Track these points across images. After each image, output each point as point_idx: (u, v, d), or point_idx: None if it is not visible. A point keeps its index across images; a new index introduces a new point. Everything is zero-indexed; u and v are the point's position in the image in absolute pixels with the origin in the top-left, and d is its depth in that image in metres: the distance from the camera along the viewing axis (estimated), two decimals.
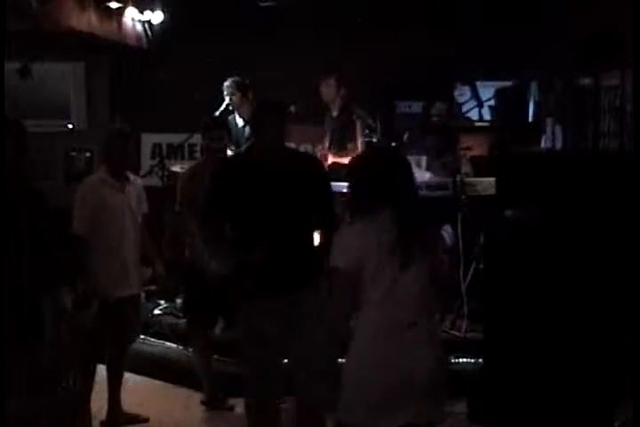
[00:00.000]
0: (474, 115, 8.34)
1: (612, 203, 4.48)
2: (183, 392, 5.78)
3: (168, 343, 6.25)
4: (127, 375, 5.34)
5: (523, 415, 4.63)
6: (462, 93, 8.33)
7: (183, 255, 5.56)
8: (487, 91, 8.24)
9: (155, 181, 7.02)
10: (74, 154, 8.40)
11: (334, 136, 6.90)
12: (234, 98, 6.85)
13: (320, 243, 4.19)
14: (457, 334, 5.86)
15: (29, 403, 3.63)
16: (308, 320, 3.99)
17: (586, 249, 4.49)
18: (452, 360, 5.66)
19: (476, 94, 8.31)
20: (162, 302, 6.75)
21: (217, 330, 5.74)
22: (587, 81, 7.13)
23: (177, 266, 5.55)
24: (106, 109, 8.32)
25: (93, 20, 6.92)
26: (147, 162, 8.18)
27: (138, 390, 5.58)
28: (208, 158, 5.51)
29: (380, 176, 3.30)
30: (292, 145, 6.14)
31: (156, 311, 6.60)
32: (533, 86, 8.27)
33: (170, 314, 6.57)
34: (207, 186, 4.22)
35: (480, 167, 6.48)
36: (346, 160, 6.55)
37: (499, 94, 8.08)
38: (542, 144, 7.48)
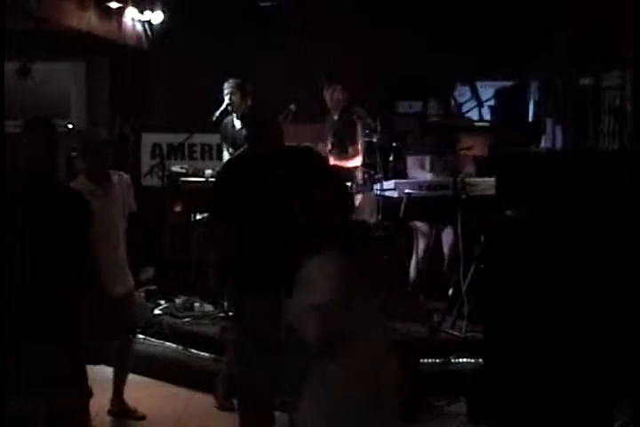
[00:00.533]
0: (474, 115, 8.34)
1: (611, 203, 4.48)
2: (183, 392, 5.78)
3: (168, 343, 6.25)
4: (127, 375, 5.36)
5: (522, 415, 4.63)
6: (462, 93, 8.33)
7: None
8: (487, 91, 8.24)
9: (155, 181, 7.02)
10: (74, 154, 8.39)
11: (335, 139, 6.88)
12: (233, 98, 6.84)
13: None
14: (457, 334, 5.86)
15: (39, 403, 3.65)
16: None
17: (586, 249, 4.49)
18: (452, 360, 5.67)
19: (476, 94, 8.30)
20: (162, 302, 6.76)
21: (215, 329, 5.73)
22: (587, 81, 7.14)
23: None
24: (106, 109, 8.32)
25: (93, 20, 6.92)
26: (147, 162, 8.18)
27: (137, 389, 5.58)
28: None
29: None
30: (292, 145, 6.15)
31: (156, 311, 6.61)
32: (533, 86, 8.28)
33: (170, 314, 6.58)
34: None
35: (480, 167, 6.48)
36: (347, 164, 6.56)
37: (499, 94, 8.08)
38: (542, 144, 7.47)
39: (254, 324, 4.08)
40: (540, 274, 4.58)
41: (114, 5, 7.20)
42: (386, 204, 6.44)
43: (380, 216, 6.39)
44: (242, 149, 6.41)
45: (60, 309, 3.69)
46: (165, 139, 8.24)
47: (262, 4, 8.01)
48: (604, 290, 4.46)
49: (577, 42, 7.01)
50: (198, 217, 6.90)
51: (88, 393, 3.94)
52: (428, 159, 6.56)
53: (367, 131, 6.76)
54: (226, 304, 6.33)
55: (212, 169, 6.89)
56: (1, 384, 3.54)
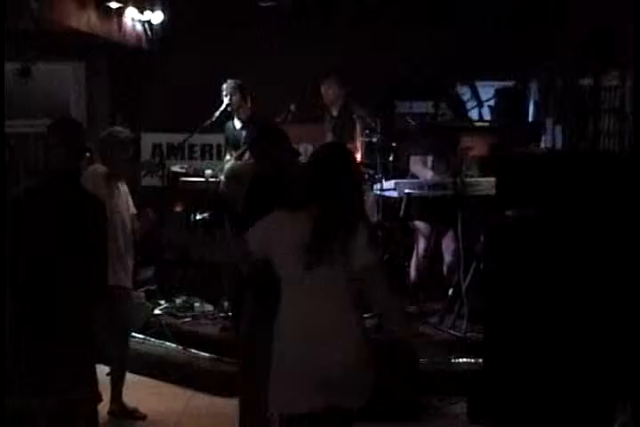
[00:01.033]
0: (474, 115, 8.34)
1: (611, 203, 4.48)
2: (183, 392, 5.78)
3: (168, 343, 6.25)
4: (127, 375, 5.36)
5: (522, 415, 4.63)
6: (462, 93, 8.33)
7: None
8: (487, 91, 8.24)
9: (155, 181, 7.02)
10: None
11: (334, 136, 6.89)
12: (233, 98, 6.84)
13: None
14: (457, 334, 5.86)
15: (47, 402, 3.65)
16: None
17: (586, 249, 4.49)
18: (452, 360, 5.66)
19: (476, 94, 8.30)
20: (162, 302, 6.76)
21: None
22: (587, 81, 7.13)
23: None
24: (106, 109, 8.31)
25: (93, 20, 6.91)
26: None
27: (137, 389, 5.58)
28: None
29: (310, 173, 3.39)
30: (293, 145, 6.15)
31: (156, 311, 6.60)
32: (533, 86, 8.28)
33: (170, 314, 6.58)
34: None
35: (480, 167, 6.48)
36: None
37: (499, 94, 8.08)
38: (542, 144, 7.47)
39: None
40: (541, 274, 4.58)
41: (114, 5, 7.19)
42: (386, 204, 6.45)
43: (380, 216, 6.39)
44: (243, 148, 6.46)
45: (73, 310, 3.68)
46: (165, 139, 8.25)
47: (262, 4, 8.01)
48: (605, 289, 4.47)
49: (577, 42, 7.00)
50: (198, 217, 6.90)
51: (98, 397, 3.95)
52: (430, 159, 6.57)
53: (367, 131, 6.77)
54: (226, 304, 6.33)
55: (212, 169, 6.90)
56: (1, 384, 3.53)
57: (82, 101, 8.28)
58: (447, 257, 6.49)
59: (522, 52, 7.79)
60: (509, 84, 8.22)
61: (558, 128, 7.52)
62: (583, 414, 4.47)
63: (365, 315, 4.10)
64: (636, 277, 4.18)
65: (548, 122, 7.72)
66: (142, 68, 8.20)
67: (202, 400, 5.63)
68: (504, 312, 4.74)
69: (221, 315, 6.40)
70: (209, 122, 6.80)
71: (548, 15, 7.79)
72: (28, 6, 5.77)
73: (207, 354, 6.07)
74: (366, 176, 6.77)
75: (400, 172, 6.74)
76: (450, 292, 6.21)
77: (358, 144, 6.79)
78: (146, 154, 8.26)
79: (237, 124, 6.99)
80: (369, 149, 6.85)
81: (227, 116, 6.98)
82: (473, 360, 5.61)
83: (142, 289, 6.80)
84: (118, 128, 5.53)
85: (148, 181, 7.29)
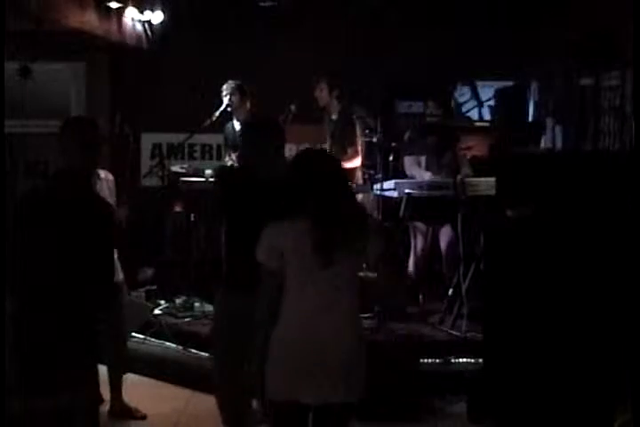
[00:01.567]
0: (474, 115, 8.35)
1: (612, 203, 4.48)
2: (183, 392, 5.78)
3: (168, 343, 6.25)
4: (127, 375, 5.37)
5: (522, 415, 4.63)
6: (462, 93, 8.34)
7: None
8: (487, 91, 8.25)
9: (155, 181, 7.02)
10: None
11: (334, 140, 6.89)
12: (233, 98, 6.84)
13: None
14: (457, 334, 5.86)
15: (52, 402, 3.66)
16: None
17: (586, 249, 4.49)
18: (452, 360, 5.67)
19: (476, 94, 8.31)
20: (162, 302, 6.76)
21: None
22: (587, 81, 7.14)
23: None
24: (106, 109, 8.31)
25: (93, 20, 6.91)
26: (147, 162, 8.19)
27: (137, 389, 5.58)
28: None
29: (301, 177, 3.38)
30: (293, 145, 6.16)
31: (156, 311, 6.61)
32: (533, 86, 8.28)
33: (170, 314, 6.58)
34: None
35: (480, 167, 6.48)
36: (346, 164, 6.55)
37: (499, 94, 8.10)
38: (542, 144, 7.48)
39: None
40: (540, 274, 4.58)
41: (114, 5, 7.19)
42: (386, 204, 6.45)
43: (380, 216, 6.39)
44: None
45: (77, 310, 3.67)
46: (165, 139, 8.26)
47: (262, 4, 8.01)
48: (605, 289, 4.47)
49: (577, 42, 7.00)
50: None
51: (98, 397, 3.95)
52: (424, 159, 6.55)
53: (367, 131, 6.77)
54: None
55: (212, 169, 6.90)
56: (1, 384, 3.53)
57: (82, 101, 8.28)
58: (444, 247, 6.47)
59: (522, 52, 7.80)
60: (509, 84, 8.22)
61: (558, 128, 7.53)
62: (583, 415, 4.47)
63: (365, 315, 4.12)
64: (637, 277, 4.18)
65: (548, 122, 7.74)
66: (142, 68, 8.21)
67: (202, 400, 5.62)
68: (504, 312, 4.74)
69: None
70: (209, 122, 6.80)
71: (548, 15, 7.79)
72: (28, 6, 5.77)
73: (207, 354, 6.06)
74: (366, 176, 6.78)
75: (400, 172, 6.74)
76: (450, 292, 6.20)
77: (359, 148, 6.79)
78: (146, 154, 8.28)
79: (237, 125, 6.99)
80: (369, 149, 6.85)
81: (227, 116, 6.97)
82: (473, 360, 5.61)
83: (142, 289, 6.81)
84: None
85: (148, 181, 7.29)
